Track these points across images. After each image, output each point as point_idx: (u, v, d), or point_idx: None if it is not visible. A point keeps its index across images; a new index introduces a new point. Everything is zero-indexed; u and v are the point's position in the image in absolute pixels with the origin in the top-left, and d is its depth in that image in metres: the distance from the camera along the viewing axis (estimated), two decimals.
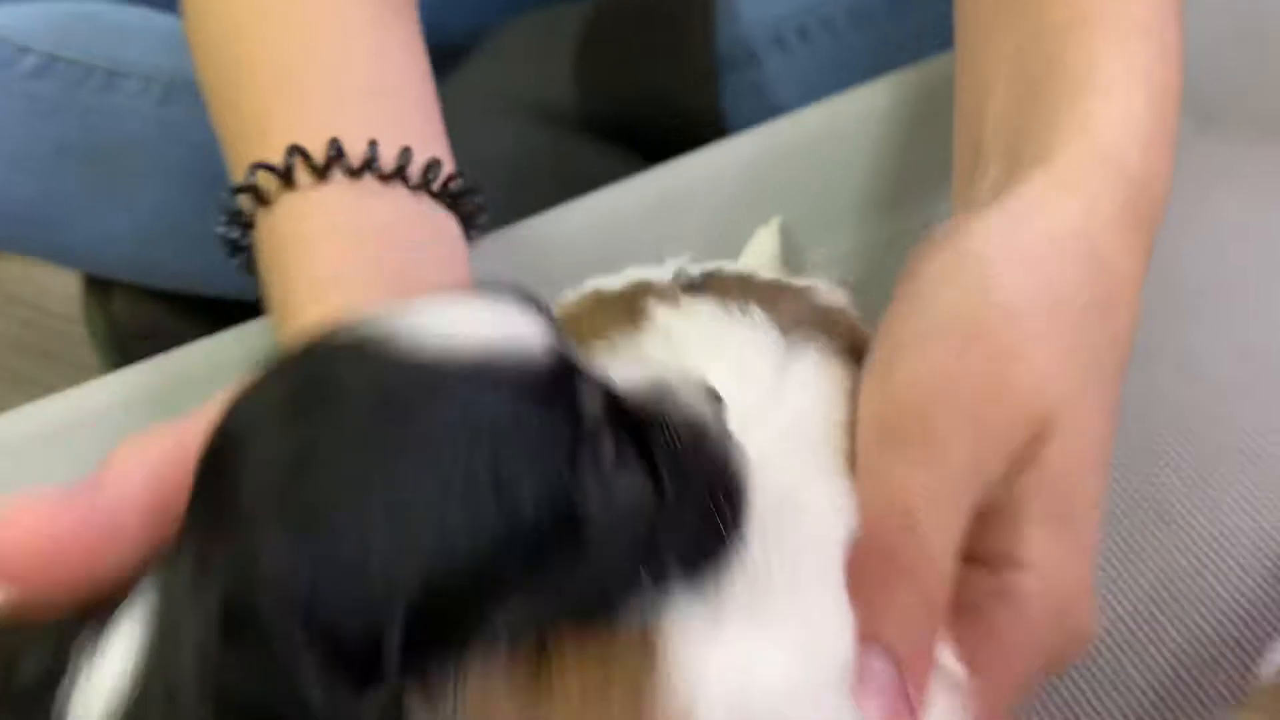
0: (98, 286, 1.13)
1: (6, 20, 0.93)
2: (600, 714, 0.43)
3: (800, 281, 0.64)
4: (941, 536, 0.50)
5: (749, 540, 0.48)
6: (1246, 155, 0.78)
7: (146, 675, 0.40)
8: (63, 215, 0.98)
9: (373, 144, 0.62)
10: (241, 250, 0.65)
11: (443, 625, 0.41)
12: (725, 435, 0.49)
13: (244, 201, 0.63)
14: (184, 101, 0.97)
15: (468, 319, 0.45)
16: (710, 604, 0.47)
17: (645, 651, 0.45)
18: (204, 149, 0.86)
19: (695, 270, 0.63)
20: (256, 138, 0.63)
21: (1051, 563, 0.53)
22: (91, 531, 0.44)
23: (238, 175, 0.64)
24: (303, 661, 0.38)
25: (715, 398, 0.50)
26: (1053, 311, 0.53)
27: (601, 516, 0.43)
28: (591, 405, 0.45)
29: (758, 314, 0.57)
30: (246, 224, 0.64)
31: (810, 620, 0.49)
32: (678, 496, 0.46)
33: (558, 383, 0.44)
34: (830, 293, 0.63)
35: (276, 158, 0.61)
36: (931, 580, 0.50)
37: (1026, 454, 0.52)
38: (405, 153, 0.63)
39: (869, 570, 0.50)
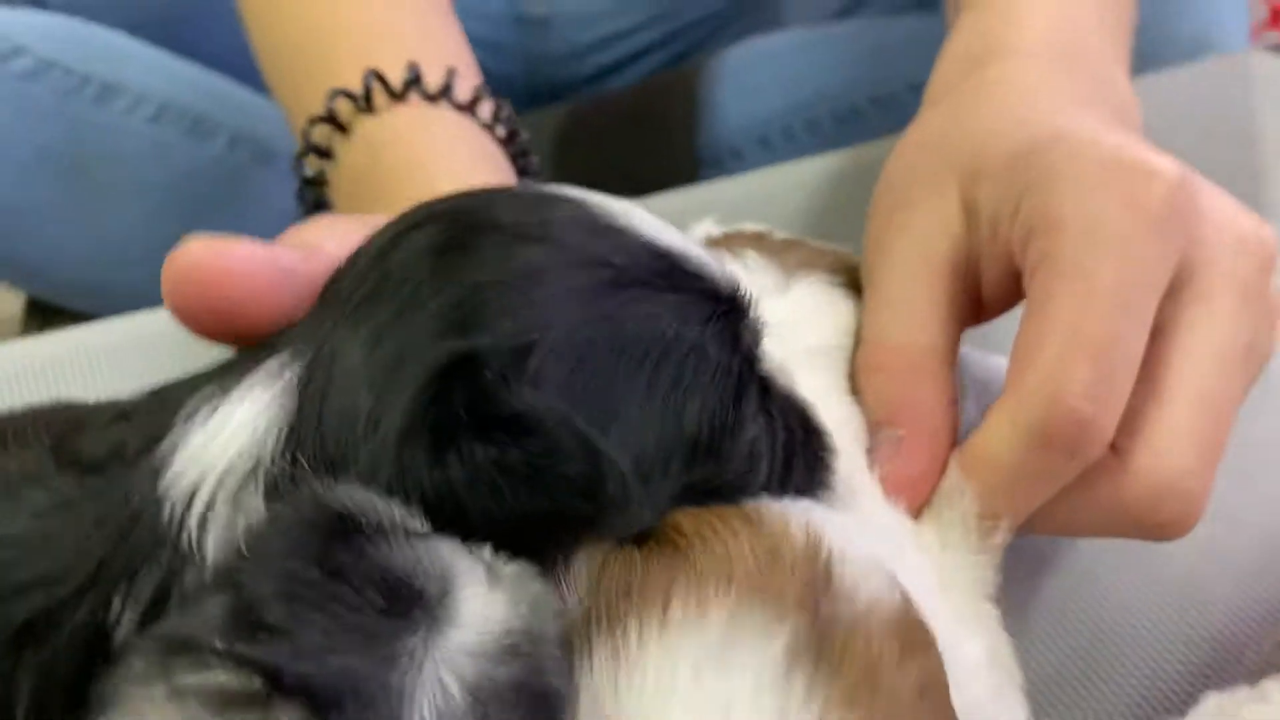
0: (40, 311, 1.07)
1: (4, 19, 0.91)
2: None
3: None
4: None
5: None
6: None
7: (317, 413, 0.38)
8: (26, 225, 0.94)
9: (451, 71, 0.63)
10: (311, 185, 0.65)
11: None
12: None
13: (319, 134, 0.63)
14: (177, 125, 0.95)
15: (653, 221, 0.45)
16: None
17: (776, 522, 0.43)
18: (191, 174, 0.86)
19: (718, 230, 0.68)
20: (325, 75, 0.63)
21: (1177, 458, 0.53)
22: (299, 284, 0.43)
23: (304, 118, 0.64)
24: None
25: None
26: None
27: (744, 445, 0.44)
28: (753, 340, 0.46)
29: (753, 257, 0.63)
30: (324, 152, 0.64)
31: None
32: (787, 434, 0.48)
33: (739, 314, 0.45)
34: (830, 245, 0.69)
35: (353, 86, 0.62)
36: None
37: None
38: (480, 88, 0.64)
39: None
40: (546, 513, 0.39)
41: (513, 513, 0.38)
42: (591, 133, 1.22)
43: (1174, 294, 0.55)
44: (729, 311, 0.45)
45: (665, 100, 1.19)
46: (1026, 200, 0.55)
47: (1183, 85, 0.97)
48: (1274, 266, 0.58)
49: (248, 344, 0.43)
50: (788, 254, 0.66)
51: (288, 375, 0.40)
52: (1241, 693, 0.54)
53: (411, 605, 0.33)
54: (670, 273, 0.43)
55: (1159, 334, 0.55)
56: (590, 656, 0.38)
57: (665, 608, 0.39)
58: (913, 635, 0.42)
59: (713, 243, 0.67)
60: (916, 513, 0.55)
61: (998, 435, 0.53)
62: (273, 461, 0.39)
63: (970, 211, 0.59)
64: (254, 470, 0.39)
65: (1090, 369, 0.51)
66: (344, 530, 0.34)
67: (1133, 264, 0.53)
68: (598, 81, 1.29)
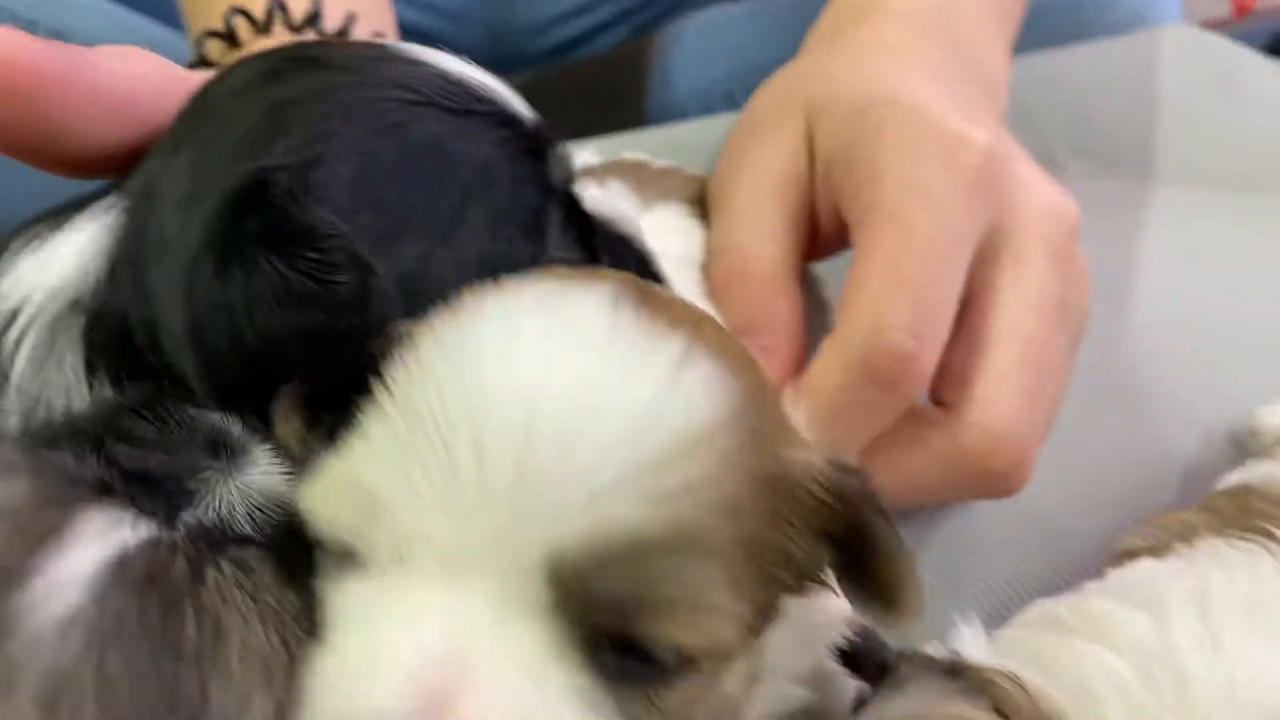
0: None
1: None
2: None
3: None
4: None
5: None
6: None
7: (135, 239, 0.43)
8: None
9: (350, 15, 0.65)
10: None
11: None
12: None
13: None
14: None
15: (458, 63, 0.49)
16: None
17: None
18: None
19: (596, 159, 0.74)
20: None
21: (1003, 407, 0.57)
22: (71, 78, 0.44)
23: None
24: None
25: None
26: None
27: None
28: (558, 174, 0.50)
29: (617, 184, 0.66)
30: None
31: None
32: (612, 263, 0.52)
33: (538, 142, 0.48)
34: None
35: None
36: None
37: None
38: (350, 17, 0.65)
39: None
40: (322, 330, 0.41)
41: (291, 329, 0.40)
42: (549, 99, 1.23)
43: (990, 258, 0.60)
44: (527, 141, 0.46)
45: (620, 69, 1.21)
46: (858, 151, 0.59)
47: (1114, 55, 0.99)
48: (1078, 233, 0.63)
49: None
50: (654, 183, 0.68)
51: (116, 208, 0.44)
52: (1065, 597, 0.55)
53: (220, 448, 0.41)
54: (466, 98, 0.46)
55: (979, 294, 0.59)
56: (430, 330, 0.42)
57: (495, 290, 0.43)
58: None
59: (588, 170, 0.68)
60: None
61: (825, 367, 0.56)
62: (95, 287, 0.43)
63: (810, 145, 0.63)
64: (75, 297, 0.43)
65: (909, 307, 0.55)
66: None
67: (948, 217, 0.57)
68: (562, 53, 1.31)
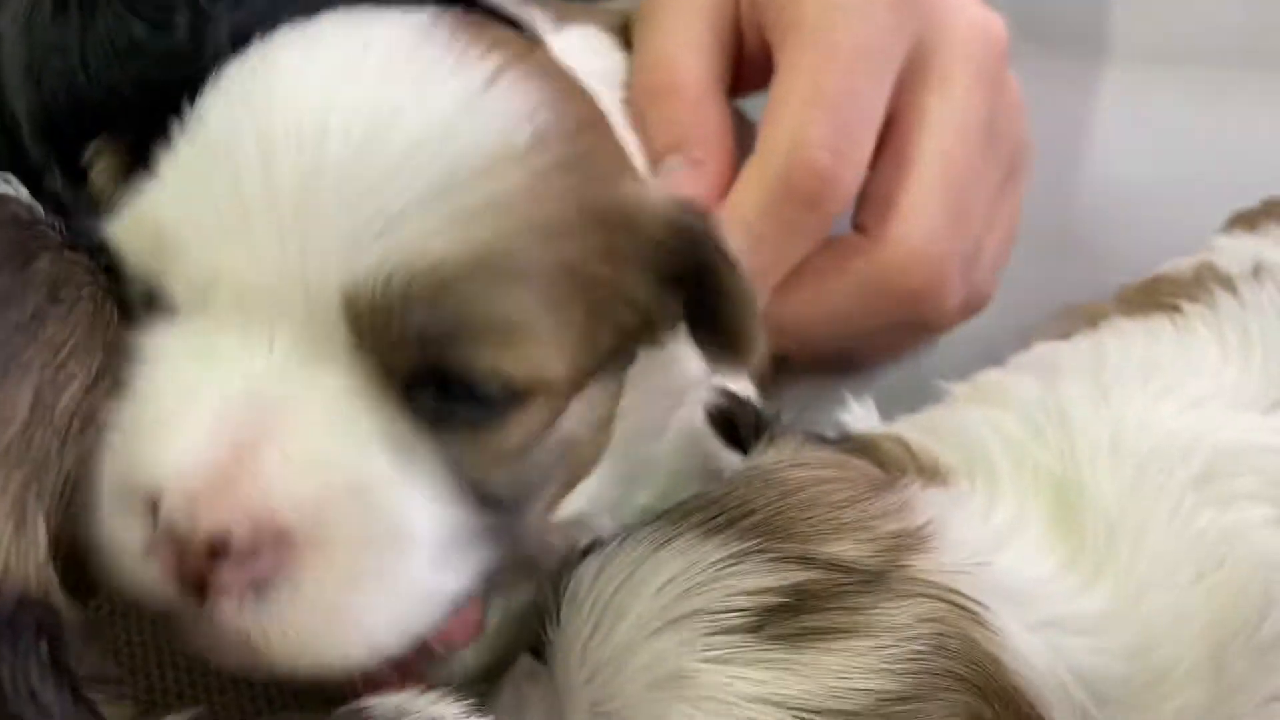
0: None
1: None
2: None
3: None
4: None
5: None
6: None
7: None
8: None
9: None
10: None
11: None
12: None
13: None
14: None
15: None
16: None
17: None
18: None
19: None
20: None
21: (922, 224, 0.56)
22: None
23: None
24: None
25: None
26: None
27: None
28: None
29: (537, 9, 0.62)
30: None
31: None
32: None
33: None
34: None
35: None
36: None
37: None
38: None
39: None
40: (155, 78, 0.41)
41: (126, 76, 0.40)
42: None
43: (914, 78, 0.59)
44: None
45: None
46: None
47: None
48: (1006, 55, 0.62)
49: None
50: (574, 12, 0.67)
51: None
52: None
53: None
54: None
55: (903, 115, 0.59)
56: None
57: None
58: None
59: None
60: None
61: (746, 185, 0.56)
62: None
63: None
64: None
65: (829, 123, 0.55)
66: None
67: (869, 32, 0.56)
68: None
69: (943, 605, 0.42)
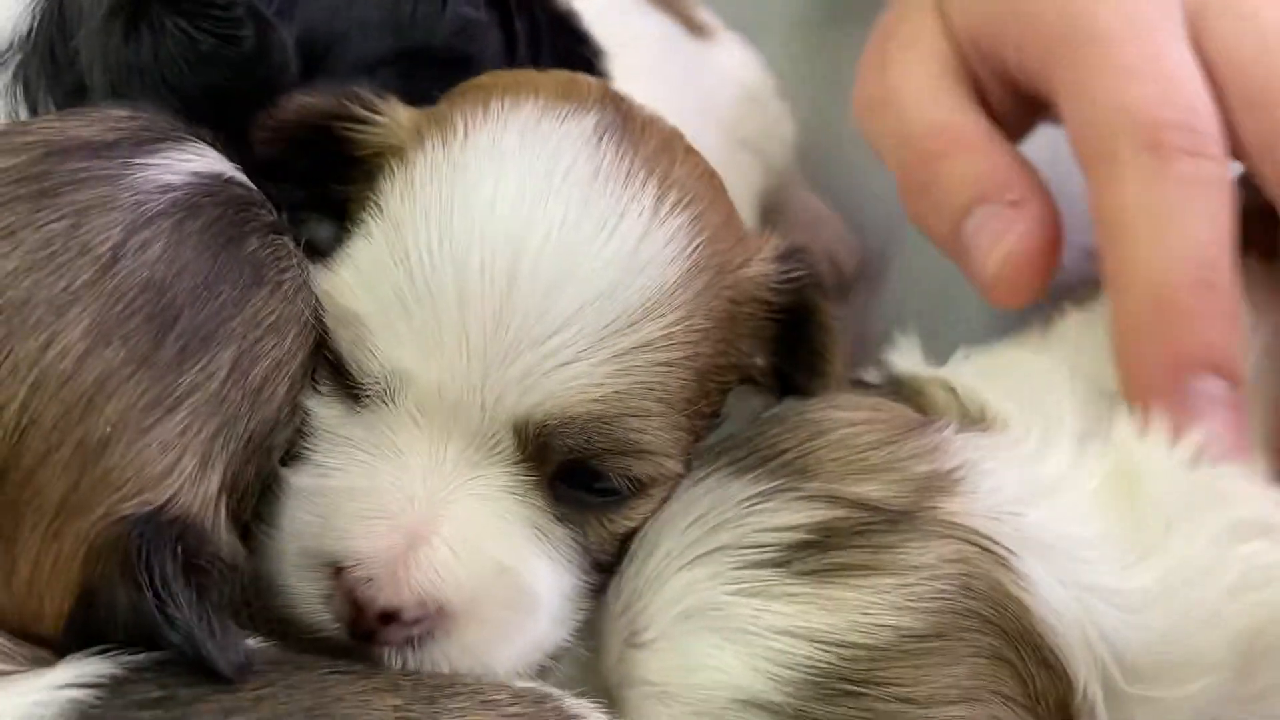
0: None
1: None
2: None
3: None
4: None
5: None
6: None
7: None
8: None
9: None
10: None
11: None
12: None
13: None
14: None
15: None
16: None
17: None
18: None
19: None
20: None
21: None
22: None
23: None
24: None
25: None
26: None
27: (453, 15, 0.51)
28: None
29: None
30: None
31: None
32: (531, 40, 0.54)
33: None
34: None
35: None
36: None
37: None
38: None
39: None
40: (229, 84, 0.45)
41: (201, 86, 0.45)
42: None
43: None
44: None
45: None
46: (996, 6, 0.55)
47: None
48: None
49: None
50: None
51: None
52: None
53: None
54: None
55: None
56: (423, 146, 0.46)
57: (484, 106, 0.46)
58: (691, 144, 0.50)
59: None
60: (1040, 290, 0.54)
61: (1112, 193, 0.51)
62: (29, 35, 0.49)
63: (945, 25, 0.59)
64: (10, 42, 0.49)
65: (1148, 84, 0.50)
66: None
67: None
68: None
69: (969, 547, 0.42)
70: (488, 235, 0.42)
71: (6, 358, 0.38)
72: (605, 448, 0.44)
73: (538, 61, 0.53)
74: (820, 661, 0.41)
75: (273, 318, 0.43)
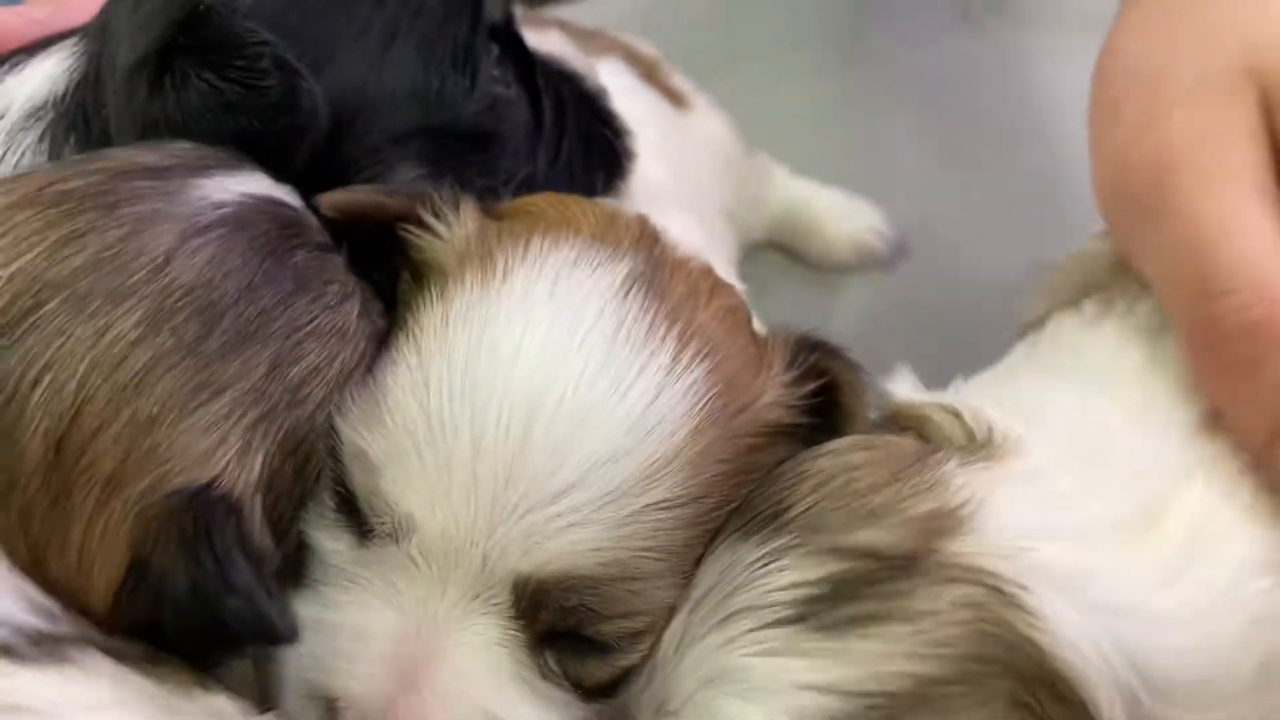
0: None
1: None
2: None
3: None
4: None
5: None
6: None
7: (92, 62, 0.50)
8: None
9: None
10: None
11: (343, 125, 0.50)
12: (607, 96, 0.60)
13: None
14: None
15: None
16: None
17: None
18: None
19: None
20: None
21: None
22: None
23: None
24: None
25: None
26: None
27: (483, 94, 0.53)
28: (494, 10, 0.54)
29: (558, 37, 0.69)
30: None
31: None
32: (557, 118, 0.56)
33: None
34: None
35: None
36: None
37: None
38: None
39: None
40: (257, 131, 0.47)
41: (230, 134, 0.47)
42: None
43: None
44: None
45: None
46: None
47: None
48: None
49: None
50: (589, 39, 0.70)
51: (80, 44, 0.52)
52: None
53: None
54: None
55: None
56: (464, 281, 0.48)
57: (526, 244, 0.48)
58: (718, 278, 0.52)
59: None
60: None
61: None
62: (63, 97, 0.51)
63: (1270, 121, 0.46)
64: (45, 102, 0.51)
65: None
66: None
67: None
68: None
69: (979, 589, 0.43)
70: (509, 390, 0.44)
71: (67, 341, 0.42)
72: (602, 612, 0.46)
73: (562, 139, 0.55)
74: (840, 713, 0.41)
75: (313, 324, 0.47)
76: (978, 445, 0.48)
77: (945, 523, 0.44)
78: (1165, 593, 0.45)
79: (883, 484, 0.45)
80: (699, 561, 0.47)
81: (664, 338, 0.46)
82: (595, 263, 0.47)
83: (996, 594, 0.43)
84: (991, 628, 0.42)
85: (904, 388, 0.53)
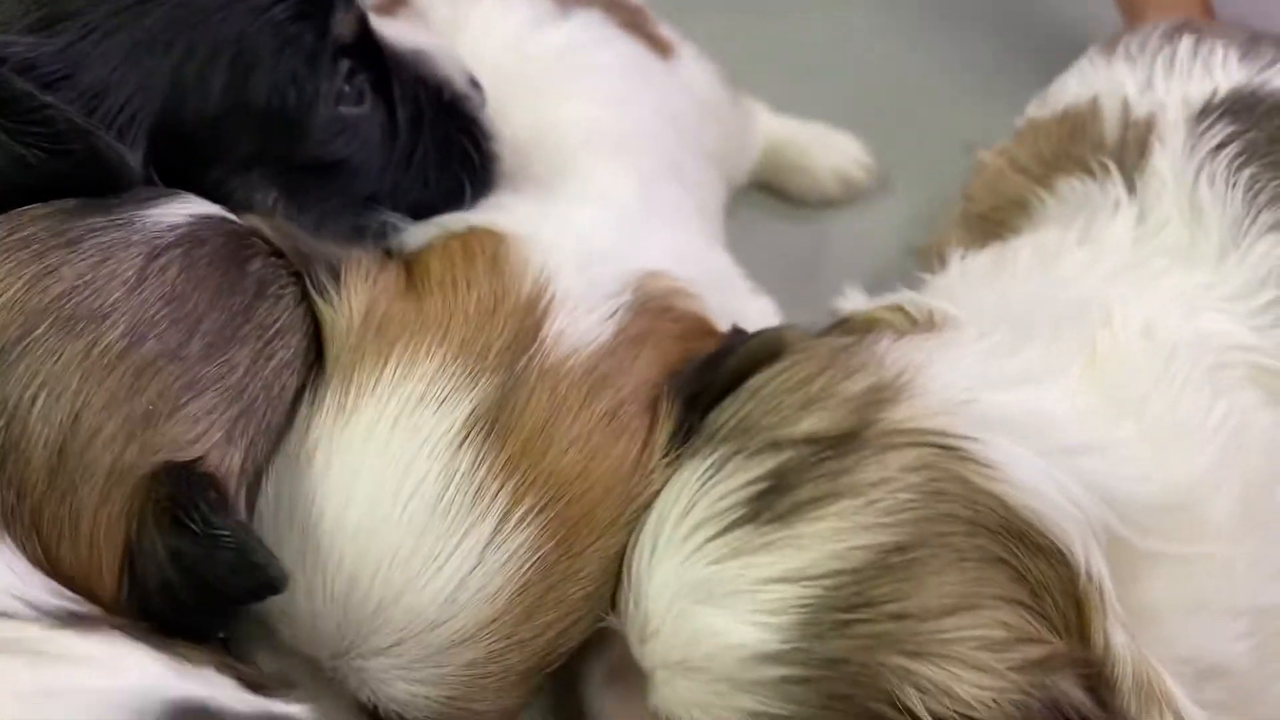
0: None
1: None
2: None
3: None
4: None
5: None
6: None
7: None
8: None
9: None
10: None
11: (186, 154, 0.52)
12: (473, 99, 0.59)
13: None
14: None
15: None
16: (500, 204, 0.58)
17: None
18: None
19: None
20: None
21: None
22: None
23: None
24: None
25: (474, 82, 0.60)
26: None
27: (326, 119, 0.53)
28: (343, 29, 0.53)
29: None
30: None
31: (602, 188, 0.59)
32: (412, 127, 0.56)
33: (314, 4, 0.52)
34: None
35: None
36: None
37: None
38: None
39: None
40: (68, 184, 0.49)
41: (39, 186, 0.48)
42: None
43: None
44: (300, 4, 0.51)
45: None
46: None
47: None
48: None
49: None
50: None
51: None
52: None
53: None
54: None
55: None
56: (330, 384, 0.50)
57: (384, 365, 0.49)
58: (607, 369, 0.50)
59: None
60: None
61: None
62: None
63: None
64: None
65: None
66: None
67: None
68: None
69: (927, 450, 0.42)
70: (337, 545, 0.47)
71: (59, 359, 0.45)
72: None
73: (415, 149, 0.56)
74: (808, 599, 0.41)
75: (278, 325, 0.50)
76: (915, 326, 0.48)
77: (883, 394, 0.44)
78: (1123, 423, 0.44)
79: (815, 375, 0.45)
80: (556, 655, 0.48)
81: (494, 497, 0.46)
82: (441, 398, 0.48)
83: (945, 451, 0.42)
84: (948, 484, 0.41)
85: (851, 301, 0.53)
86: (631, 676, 0.48)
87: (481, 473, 0.46)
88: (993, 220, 0.58)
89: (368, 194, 0.55)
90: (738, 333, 0.51)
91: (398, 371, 0.48)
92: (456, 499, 0.46)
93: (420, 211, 0.56)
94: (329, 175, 0.53)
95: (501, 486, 0.46)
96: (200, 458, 0.46)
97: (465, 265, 0.52)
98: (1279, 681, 0.48)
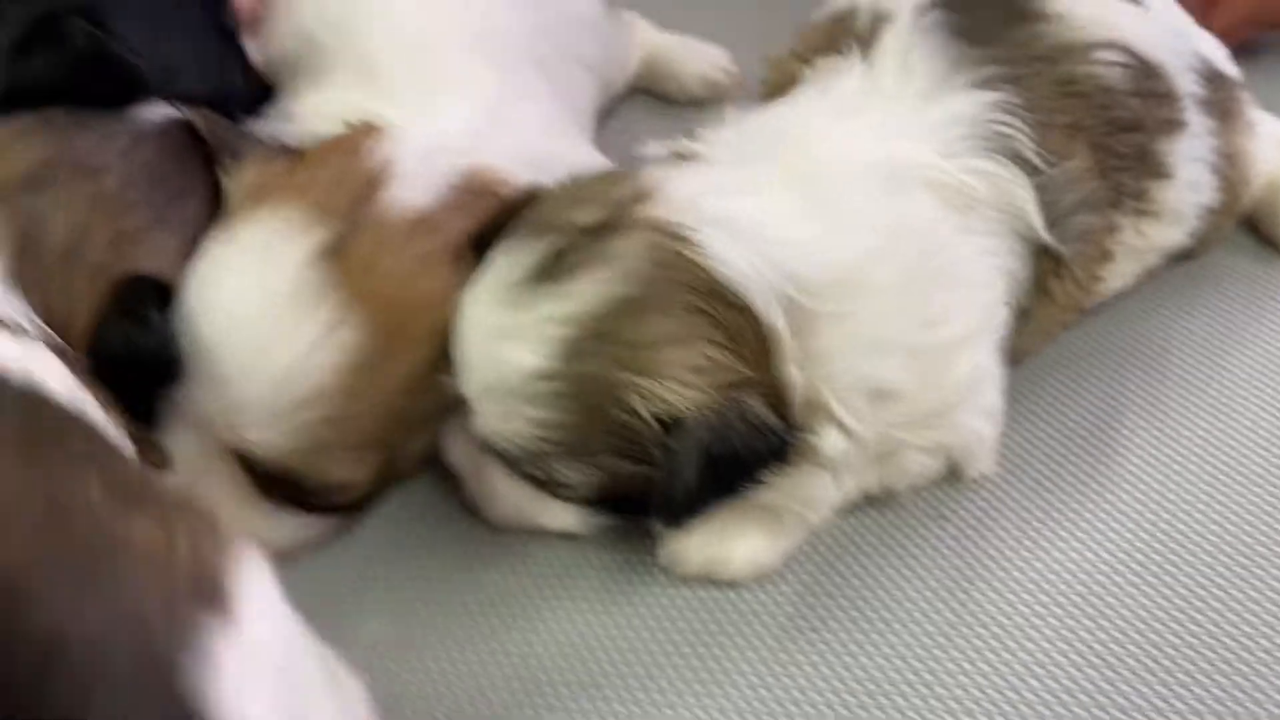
0: None
1: None
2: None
3: None
4: None
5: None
6: None
7: None
8: None
9: None
10: None
11: None
12: None
13: None
14: None
15: None
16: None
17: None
18: None
19: None
20: None
21: None
22: None
23: None
24: None
25: None
26: None
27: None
28: None
29: None
30: None
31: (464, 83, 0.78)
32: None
33: None
34: None
35: None
36: None
37: None
38: None
39: None
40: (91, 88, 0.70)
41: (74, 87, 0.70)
42: None
43: None
44: None
45: None
46: None
47: None
48: None
49: None
50: None
51: None
52: None
53: None
54: None
55: None
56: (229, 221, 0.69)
57: (257, 209, 0.68)
58: (426, 225, 0.68)
59: None
60: None
61: None
62: None
63: None
64: None
65: None
66: None
67: None
68: None
69: (659, 235, 0.60)
70: (214, 322, 0.65)
71: (75, 193, 0.67)
72: (299, 474, 0.66)
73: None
74: (569, 334, 0.59)
75: (214, 187, 0.72)
76: (681, 161, 0.66)
77: (637, 198, 0.61)
78: (808, 223, 0.61)
79: (596, 186, 0.64)
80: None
81: (329, 303, 0.64)
82: (296, 234, 0.65)
83: (672, 236, 0.60)
84: (670, 257, 0.59)
85: (650, 148, 0.70)
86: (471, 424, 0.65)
87: (321, 286, 0.65)
88: (775, 96, 0.75)
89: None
90: (528, 190, 0.68)
91: (264, 216, 0.67)
92: (300, 302, 0.65)
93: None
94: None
95: (335, 298, 0.65)
96: (159, 270, 0.67)
97: (333, 151, 0.72)
98: (954, 409, 0.66)
